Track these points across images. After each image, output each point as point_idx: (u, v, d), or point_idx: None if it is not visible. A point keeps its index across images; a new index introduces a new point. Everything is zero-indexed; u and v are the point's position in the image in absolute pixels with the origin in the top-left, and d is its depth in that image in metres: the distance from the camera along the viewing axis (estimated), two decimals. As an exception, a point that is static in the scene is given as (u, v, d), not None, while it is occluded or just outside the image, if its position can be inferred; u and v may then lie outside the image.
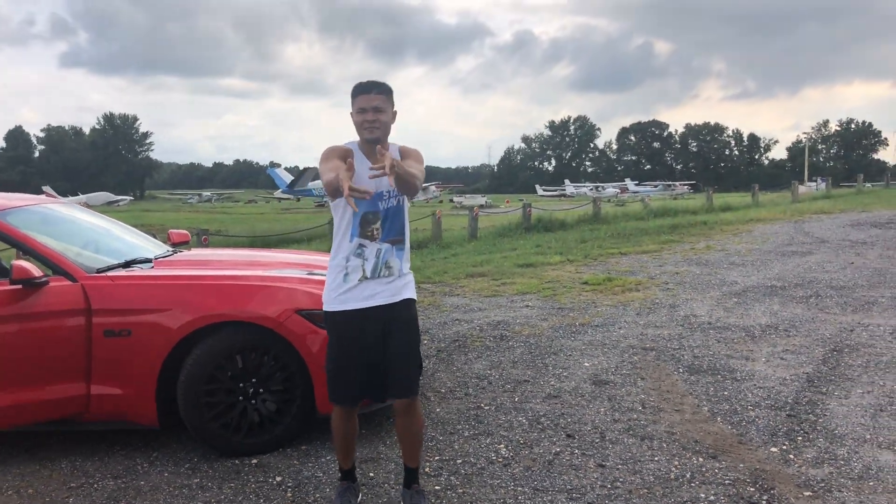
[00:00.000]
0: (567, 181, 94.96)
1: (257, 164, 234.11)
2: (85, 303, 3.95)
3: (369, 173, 2.95)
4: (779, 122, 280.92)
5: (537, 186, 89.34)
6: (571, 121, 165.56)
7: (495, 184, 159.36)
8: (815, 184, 57.67)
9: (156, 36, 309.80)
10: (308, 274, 4.55)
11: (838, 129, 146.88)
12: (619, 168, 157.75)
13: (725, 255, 11.98)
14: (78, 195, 72.24)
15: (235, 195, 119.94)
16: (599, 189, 72.28)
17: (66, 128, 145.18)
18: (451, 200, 63.60)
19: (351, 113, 3.27)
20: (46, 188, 70.02)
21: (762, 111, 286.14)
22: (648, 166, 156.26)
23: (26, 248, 4.07)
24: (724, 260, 11.46)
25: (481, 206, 41.20)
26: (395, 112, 3.32)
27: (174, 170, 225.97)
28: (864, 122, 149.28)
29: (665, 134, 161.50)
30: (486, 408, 4.85)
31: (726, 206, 21.37)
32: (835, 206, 20.69)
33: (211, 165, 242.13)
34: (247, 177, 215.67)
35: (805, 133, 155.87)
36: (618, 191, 70.51)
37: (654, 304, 8.09)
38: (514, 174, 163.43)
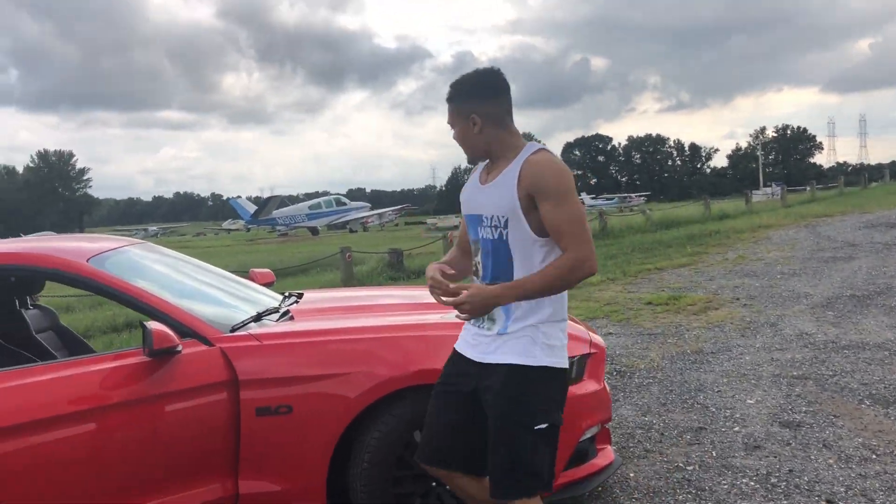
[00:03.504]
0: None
1: (198, 195, 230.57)
2: (228, 373, 2.96)
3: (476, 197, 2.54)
4: (714, 131, 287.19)
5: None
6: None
7: (444, 204, 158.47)
8: (769, 189, 58.31)
9: (89, 71, 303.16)
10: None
11: (775, 135, 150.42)
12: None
13: (767, 265, 11.37)
14: (20, 236, 69.39)
15: (181, 228, 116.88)
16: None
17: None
18: (424, 223, 62.48)
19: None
20: (-15, 231, 67.00)
21: (697, 121, 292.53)
22: (595, 180, 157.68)
23: (141, 305, 3.07)
24: (771, 270, 10.83)
25: (455, 227, 40.35)
26: (477, 121, 2.47)
27: (112, 206, 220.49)
28: (799, 128, 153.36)
29: (609, 147, 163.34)
30: (689, 468, 3.98)
31: (724, 214, 20.96)
32: (829, 210, 20.43)
33: (150, 199, 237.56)
34: (188, 209, 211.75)
35: (748, 140, 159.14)
36: (576, 205, 70.29)
37: (751, 324, 7.34)
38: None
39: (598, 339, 3.68)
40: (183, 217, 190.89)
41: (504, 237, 2.40)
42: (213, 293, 3.74)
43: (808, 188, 32.52)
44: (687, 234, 16.28)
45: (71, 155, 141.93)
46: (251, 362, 3.00)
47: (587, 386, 3.43)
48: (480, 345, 2.47)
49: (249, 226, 59.53)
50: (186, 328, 3.03)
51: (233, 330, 3.14)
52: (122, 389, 2.87)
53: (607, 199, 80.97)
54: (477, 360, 2.47)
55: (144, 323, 2.85)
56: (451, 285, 2.40)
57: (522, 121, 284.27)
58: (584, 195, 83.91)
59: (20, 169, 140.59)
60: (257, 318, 3.36)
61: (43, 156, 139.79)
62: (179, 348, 2.88)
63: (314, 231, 51.61)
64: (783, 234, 15.58)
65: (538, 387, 2.38)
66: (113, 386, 2.88)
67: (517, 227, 2.38)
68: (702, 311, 8.19)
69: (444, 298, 2.39)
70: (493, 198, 2.42)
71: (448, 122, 2.53)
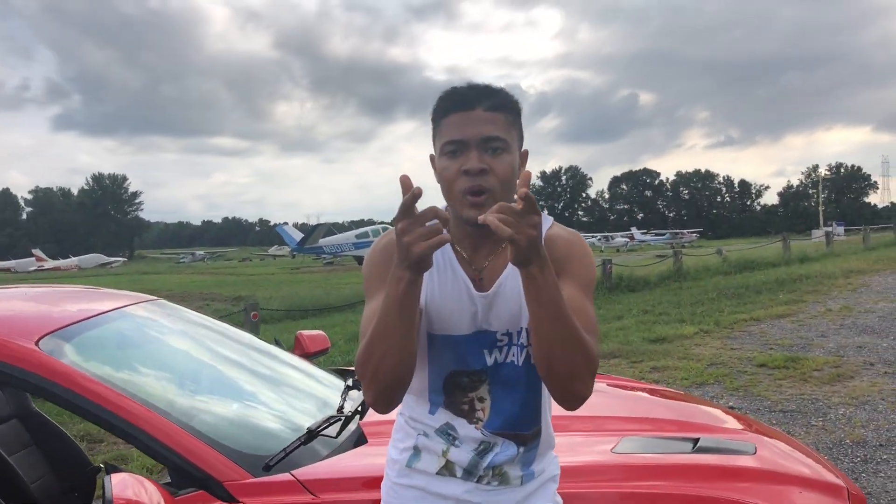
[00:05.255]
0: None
1: (246, 221, 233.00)
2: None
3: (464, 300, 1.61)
4: (763, 168, 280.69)
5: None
6: (563, 171, 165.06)
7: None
8: (831, 229, 56.01)
9: (148, 97, 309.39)
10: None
11: (828, 173, 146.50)
12: (611, 217, 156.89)
13: (883, 319, 9.86)
14: (69, 257, 69.80)
15: (227, 253, 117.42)
16: (609, 238, 70.38)
17: (55, 189, 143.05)
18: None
19: (432, 156, 1.66)
20: (36, 251, 67.77)
21: (746, 158, 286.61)
22: (641, 214, 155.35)
23: (114, 423, 1.85)
24: (891, 325, 9.34)
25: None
26: (525, 153, 1.67)
27: (162, 229, 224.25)
28: (852, 166, 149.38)
29: (656, 182, 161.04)
30: None
31: (805, 256, 19.30)
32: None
33: (199, 224, 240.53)
34: (236, 234, 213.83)
35: (799, 178, 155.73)
36: (627, 240, 68.62)
37: (909, 401, 5.90)
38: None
39: (854, 487, 2.33)
40: (231, 242, 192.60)
41: (529, 357, 1.62)
42: (238, 385, 2.50)
43: (863, 230, 30.62)
44: (773, 278, 14.71)
45: (124, 178, 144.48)
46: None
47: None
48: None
49: (295, 253, 58.79)
50: (188, 466, 1.79)
51: (267, 468, 1.89)
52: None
53: (658, 235, 78.81)
54: None
55: (108, 467, 1.63)
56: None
57: (569, 154, 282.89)
58: (633, 230, 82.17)
59: (75, 191, 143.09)
60: (308, 437, 2.10)
61: (97, 178, 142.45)
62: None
63: (360, 260, 50.60)
64: (882, 282, 13.99)
65: None
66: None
67: None
68: (834, 379, 6.76)
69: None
70: (516, 301, 1.58)
71: (494, 137, 1.57)
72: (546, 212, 1.71)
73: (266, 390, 2.58)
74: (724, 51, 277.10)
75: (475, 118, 1.54)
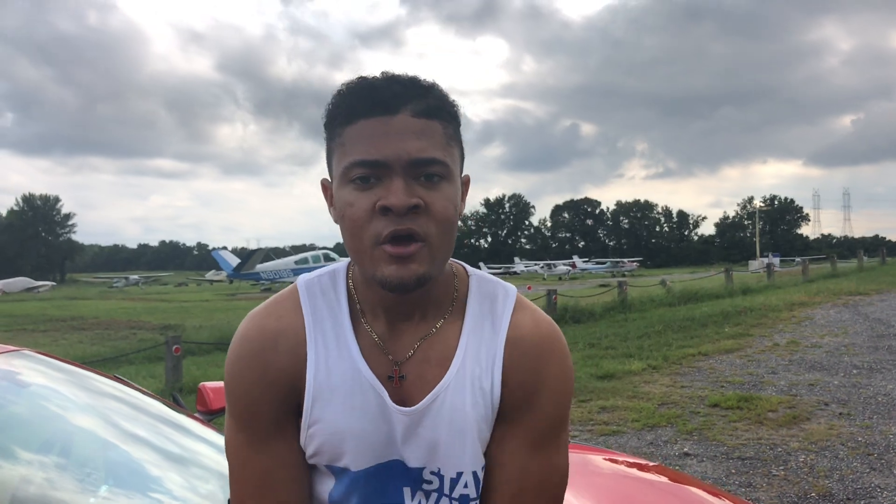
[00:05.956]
0: (516, 259, 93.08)
1: (184, 244, 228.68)
2: None
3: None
4: (700, 199, 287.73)
5: (481, 264, 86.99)
6: (506, 198, 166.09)
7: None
8: (767, 259, 57.16)
9: (84, 117, 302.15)
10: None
11: (762, 205, 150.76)
12: (553, 245, 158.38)
13: (830, 354, 9.69)
14: (-7, 281, 66.95)
15: (163, 278, 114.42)
16: (551, 266, 70.55)
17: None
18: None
19: (326, 182, 1.16)
20: (-43, 274, 64.90)
21: (684, 189, 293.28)
22: (583, 243, 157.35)
23: None
24: (839, 361, 9.15)
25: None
26: (467, 179, 1.17)
27: (97, 252, 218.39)
28: (786, 199, 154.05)
29: (597, 211, 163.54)
30: None
31: (747, 288, 19.29)
32: (861, 287, 18.83)
33: (136, 247, 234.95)
34: (173, 258, 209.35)
35: (735, 210, 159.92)
36: (569, 268, 68.90)
37: (870, 446, 5.60)
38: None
39: None
40: (168, 266, 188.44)
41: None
42: (95, 482, 1.95)
43: (796, 259, 31.09)
44: (718, 310, 14.55)
45: (57, 199, 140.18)
46: None
47: None
48: None
49: (232, 279, 57.38)
50: None
51: None
52: None
53: (599, 264, 79.55)
54: None
55: None
56: None
57: (512, 182, 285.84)
58: (575, 258, 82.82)
59: (4, 212, 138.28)
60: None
61: (28, 199, 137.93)
62: None
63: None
64: (825, 315, 13.93)
65: None
66: None
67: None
68: (790, 421, 6.45)
69: None
70: (461, 427, 1.12)
71: (429, 160, 1.04)
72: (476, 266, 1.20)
73: (139, 480, 2.03)
74: (662, 85, 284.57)
75: (399, 128, 1.02)
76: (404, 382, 1.10)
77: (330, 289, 1.15)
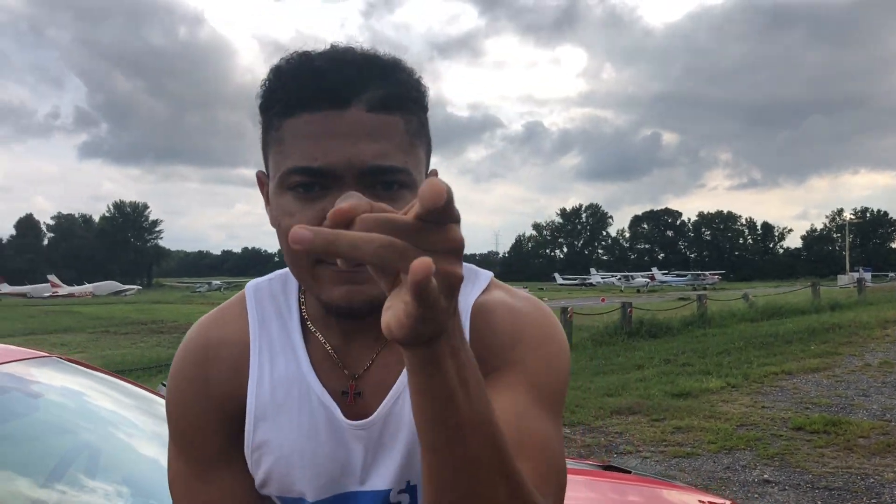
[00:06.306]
0: (593, 270, 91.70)
1: (265, 251, 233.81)
2: None
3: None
4: (786, 210, 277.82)
5: (556, 275, 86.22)
6: (583, 208, 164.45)
7: (506, 271, 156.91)
8: (858, 274, 54.83)
9: (173, 127, 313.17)
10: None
11: (853, 218, 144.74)
12: (632, 256, 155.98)
13: (929, 377, 9.02)
14: (84, 284, 69.73)
15: (244, 283, 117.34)
16: (629, 278, 69.32)
17: (76, 216, 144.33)
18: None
19: (263, 175, 0.95)
20: (51, 277, 67.85)
21: (769, 200, 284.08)
22: (662, 254, 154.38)
23: None
24: (940, 385, 8.49)
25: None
26: (434, 175, 0.94)
27: (182, 257, 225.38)
28: (879, 212, 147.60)
29: (678, 222, 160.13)
30: None
31: (836, 303, 18.39)
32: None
33: (219, 253, 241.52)
34: (254, 264, 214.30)
35: (823, 222, 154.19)
36: (647, 280, 67.53)
37: (976, 481, 5.09)
38: (525, 262, 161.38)
39: None
40: (249, 272, 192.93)
41: None
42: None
43: (892, 275, 29.57)
44: (804, 326, 13.85)
45: (145, 206, 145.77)
46: None
47: None
48: None
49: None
50: None
51: None
52: None
53: (679, 276, 77.64)
54: None
55: None
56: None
57: (588, 192, 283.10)
58: (654, 270, 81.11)
59: (97, 218, 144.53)
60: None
61: (118, 206, 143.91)
62: None
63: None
64: (923, 334, 13.10)
65: None
66: None
67: None
68: (884, 449, 5.95)
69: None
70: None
71: (385, 161, 0.84)
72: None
73: (159, 488, 1.89)
74: (747, 93, 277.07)
75: (351, 127, 0.82)
76: (361, 398, 0.93)
77: (280, 293, 1.00)
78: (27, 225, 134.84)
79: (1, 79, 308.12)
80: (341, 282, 0.83)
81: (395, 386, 0.92)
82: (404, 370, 0.87)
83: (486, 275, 1.00)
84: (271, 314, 0.98)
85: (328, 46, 0.88)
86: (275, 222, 0.89)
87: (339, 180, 0.82)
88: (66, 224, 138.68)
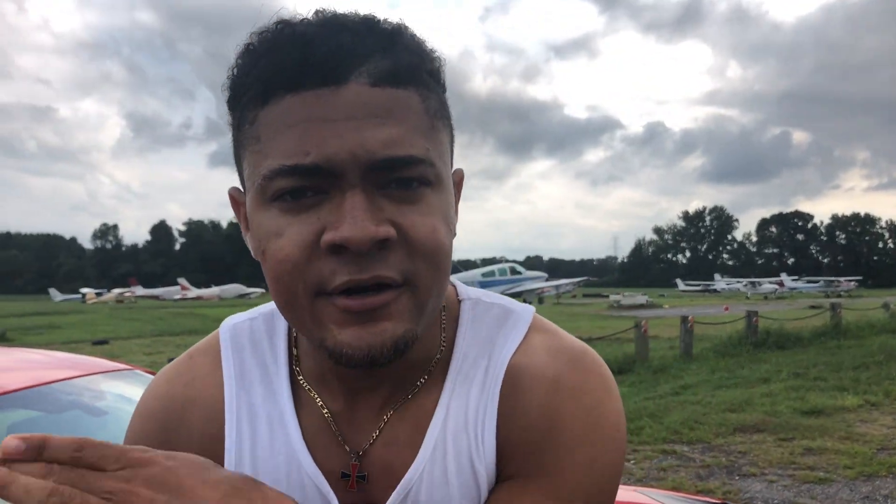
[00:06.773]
0: (717, 275, 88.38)
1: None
2: None
3: None
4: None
5: (678, 281, 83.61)
6: (707, 211, 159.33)
7: (625, 277, 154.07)
8: None
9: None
10: None
11: None
12: (759, 261, 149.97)
13: None
14: (211, 287, 73.01)
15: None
16: (756, 285, 66.31)
17: (206, 221, 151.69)
18: (604, 296, 59.16)
19: (236, 193, 0.74)
20: (181, 280, 71.47)
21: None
22: (792, 260, 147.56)
23: None
24: None
25: (641, 306, 37.13)
26: (460, 175, 0.75)
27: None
28: None
29: (810, 225, 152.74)
30: None
31: None
32: None
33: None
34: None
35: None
36: (776, 287, 64.37)
37: None
38: (645, 267, 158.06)
39: None
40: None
41: None
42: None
43: None
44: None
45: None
46: None
47: None
48: None
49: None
50: None
51: None
52: None
53: (810, 282, 73.60)
54: None
55: None
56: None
57: (712, 194, 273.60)
58: (783, 276, 77.42)
59: (224, 223, 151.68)
60: None
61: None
62: None
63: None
64: None
65: None
66: None
67: None
68: None
69: None
70: None
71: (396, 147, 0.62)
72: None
73: None
74: (884, 89, 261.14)
75: (351, 107, 0.61)
76: (363, 484, 0.72)
77: (264, 338, 0.79)
78: (161, 231, 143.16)
79: (139, 92, 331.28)
80: (352, 321, 0.63)
81: (405, 478, 0.71)
82: (421, 448, 0.72)
83: (525, 317, 0.77)
84: (252, 367, 0.78)
85: (317, 12, 0.65)
86: (258, 250, 0.67)
87: (340, 180, 0.61)
88: (196, 230, 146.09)
